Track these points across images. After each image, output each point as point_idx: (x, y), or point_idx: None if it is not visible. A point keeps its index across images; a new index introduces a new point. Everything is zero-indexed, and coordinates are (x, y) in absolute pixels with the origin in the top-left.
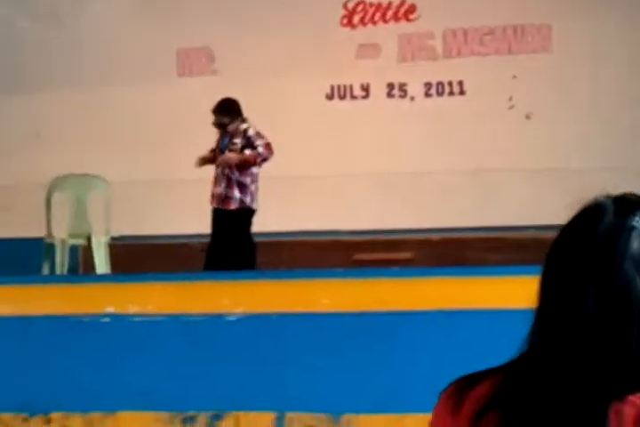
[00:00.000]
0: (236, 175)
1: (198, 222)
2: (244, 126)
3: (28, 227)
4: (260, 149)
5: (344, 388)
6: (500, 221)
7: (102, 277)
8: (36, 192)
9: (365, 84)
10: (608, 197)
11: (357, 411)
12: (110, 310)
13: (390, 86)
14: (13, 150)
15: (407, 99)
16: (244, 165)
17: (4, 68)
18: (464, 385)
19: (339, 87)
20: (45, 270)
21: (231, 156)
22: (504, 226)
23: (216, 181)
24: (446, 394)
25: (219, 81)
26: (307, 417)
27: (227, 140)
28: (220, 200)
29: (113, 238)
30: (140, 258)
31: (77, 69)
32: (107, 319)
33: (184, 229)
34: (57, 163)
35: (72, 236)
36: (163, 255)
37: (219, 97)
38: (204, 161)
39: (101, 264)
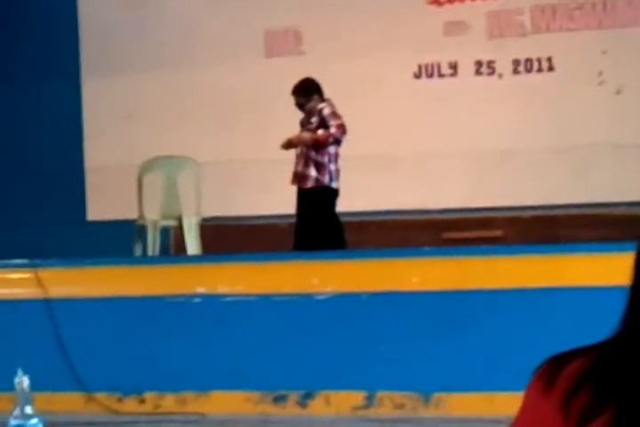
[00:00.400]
0: (312, 154)
1: (287, 202)
2: (320, 106)
3: (121, 209)
4: (333, 130)
5: (434, 366)
6: (591, 197)
7: (193, 258)
8: (129, 174)
9: (453, 62)
10: None
11: (448, 390)
12: (201, 290)
13: (478, 64)
14: (105, 132)
15: (495, 76)
16: (316, 145)
17: (95, 51)
18: (556, 364)
19: (426, 66)
20: (137, 252)
21: (305, 134)
22: (595, 202)
23: (296, 160)
24: (538, 373)
25: (306, 61)
26: (397, 396)
27: (306, 120)
28: (298, 179)
29: (204, 219)
30: (231, 239)
31: (167, 51)
32: (198, 299)
33: (274, 210)
34: (148, 144)
35: (163, 217)
36: (253, 236)
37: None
38: (290, 144)
39: (192, 245)
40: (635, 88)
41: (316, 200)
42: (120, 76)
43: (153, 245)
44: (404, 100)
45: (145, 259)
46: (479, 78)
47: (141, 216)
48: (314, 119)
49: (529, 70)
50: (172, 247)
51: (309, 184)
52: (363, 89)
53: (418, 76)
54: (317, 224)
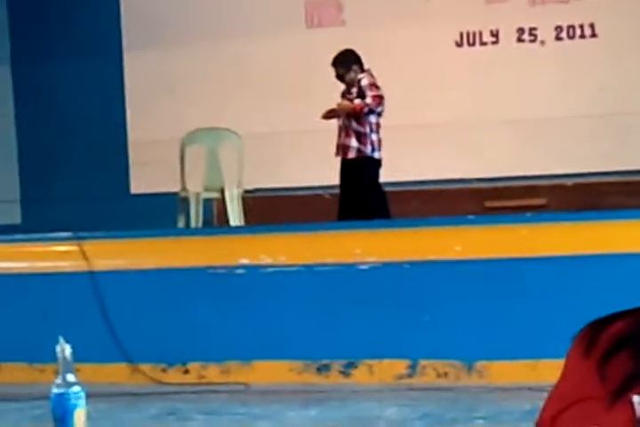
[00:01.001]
0: (353, 125)
1: (331, 173)
2: (359, 76)
3: (163, 181)
4: (368, 100)
5: (478, 335)
6: (635, 165)
7: (236, 230)
8: (171, 147)
9: (495, 30)
10: None
11: (491, 358)
12: (244, 261)
13: (520, 31)
14: (149, 106)
15: (537, 43)
16: (352, 114)
17: (136, 25)
18: (597, 327)
19: (468, 34)
20: (180, 224)
21: (343, 103)
22: (639, 170)
23: (338, 132)
24: (579, 337)
25: (347, 31)
26: (440, 364)
27: (346, 91)
28: (341, 150)
29: (246, 191)
30: (274, 210)
31: (208, 24)
32: (241, 270)
33: (317, 181)
34: (191, 118)
35: (206, 189)
36: (296, 207)
37: (347, 47)
38: (330, 113)
39: (235, 217)
40: None
41: (359, 170)
42: (161, 50)
43: (196, 217)
44: (446, 69)
45: (188, 231)
46: (521, 45)
47: (184, 188)
48: (353, 90)
49: (571, 37)
50: (215, 219)
51: (351, 155)
52: (404, 58)
53: (460, 44)
54: (361, 195)
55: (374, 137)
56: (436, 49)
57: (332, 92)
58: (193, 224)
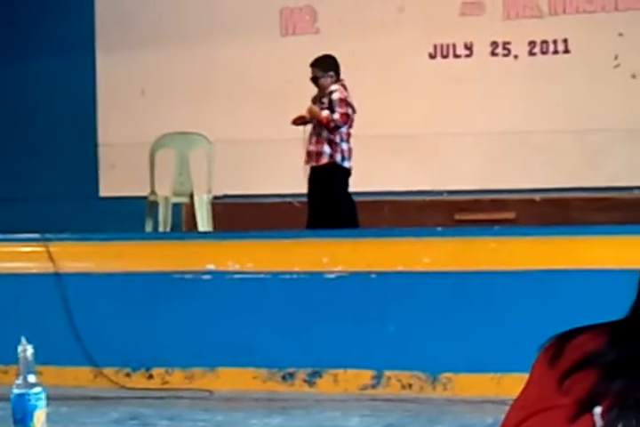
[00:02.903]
0: (324, 133)
1: (301, 181)
2: (333, 88)
3: (133, 185)
4: (336, 116)
5: (443, 347)
6: (604, 181)
7: (204, 235)
8: (141, 151)
9: (469, 43)
10: None
11: (456, 370)
12: (211, 267)
13: (494, 45)
14: (119, 108)
15: (511, 57)
16: (318, 122)
17: (110, 26)
18: (563, 339)
19: (442, 46)
20: (149, 228)
21: (314, 108)
22: (608, 186)
23: (309, 139)
24: (545, 347)
25: (321, 40)
26: (405, 375)
27: (318, 96)
28: (313, 156)
29: (216, 197)
30: (243, 217)
31: (182, 27)
32: (208, 276)
33: (287, 188)
34: (162, 121)
35: (175, 194)
36: (265, 214)
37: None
38: (300, 119)
39: (204, 222)
40: None
41: (329, 178)
42: (135, 52)
43: (164, 221)
44: (419, 81)
45: (155, 235)
46: (494, 59)
47: (153, 192)
48: (325, 99)
49: (545, 52)
50: (184, 224)
51: (323, 161)
52: (377, 68)
53: (433, 56)
54: (330, 203)
55: (345, 146)
56: (410, 60)
57: (304, 100)
58: (161, 229)
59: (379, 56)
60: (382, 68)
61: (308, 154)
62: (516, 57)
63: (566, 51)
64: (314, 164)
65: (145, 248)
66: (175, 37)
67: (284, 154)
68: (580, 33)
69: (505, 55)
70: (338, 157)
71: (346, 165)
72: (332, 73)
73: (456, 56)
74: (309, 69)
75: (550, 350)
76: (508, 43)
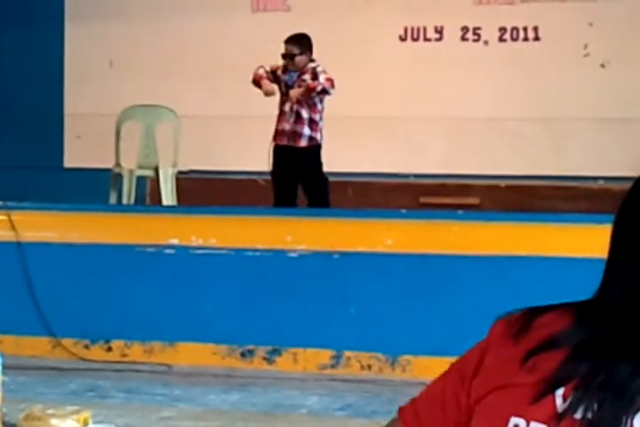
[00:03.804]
0: (304, 112)
1: (267, 159)
2: (313, 65)
3: (98, 156)
4: (322, 79)
5: (403, 329)
6: (570, 170)
7: (167, 209)
8: (107, 122)
9: (439, 27)
10: None
11: (415, 353)
12: (174, 241)
13: (464, 29)
14: (86, 79)
15: (481, 43)
16: (306, 95)
17: None
18: (529, 315)
19: (412, 29)
20: (112, 200)
21: (295, 91)
22: (574, 175)
23: (282, 118)
24: (508, 320)
25: (292, 18)
26: (364, 356)
27: (294, 75)
28: (290, 137)
29: (181, 172)
30: (208, 193)
31: (153, 0)
32: (171, 251)
33: (252, 166)
34: (128, 93)
35: (140, 166)
36: (231, 191)
37: (291, 33)
38: (262, 88)
39: (168, 196)
40: (619, 62)
41: (311, 159)
42: (104, 23)
43: (128, 194)
44: (388, 62)
45: (118, 207)
46: (464, 44)
47: (118, 165)
48: (306, 76)
49: (515, 39)
50: (148, 198)
51: (303, 143)
52: (347, 49)
53: (403, 38)
54: (311, 182)
55: (322, 124)
56: (380, 41)
57: None
58: (125, 201)
59: (349, 36)
60: (352, 49)
61: (283, 132)
62: (486, 43)
63: (536, 38)
64: (291, 144)
65: (108, 220)
66: (146, 10)
67: (251, 131)
68: (551, 21)
69: (475, 40)
70: (319, 137)
71: (322, 142)
72: (308, 53)
73: (426, 39)
74: (282, 46)
75: (515, 324)
76: (479, 28)
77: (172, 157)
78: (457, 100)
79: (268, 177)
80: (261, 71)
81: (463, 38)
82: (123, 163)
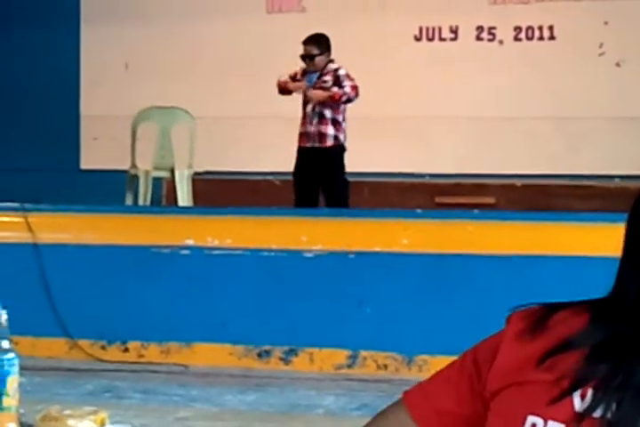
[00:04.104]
0: (328, 113)
1: (282, 160)
2: (334, 66)
3: (114, 158)
4: (347, 89)
5: (419, 329)
6: (586, 169)
7: (183, 210)
8: (123, 124)
9: (454, 27)
10: None
11: (431, 352)
12: (190, 242)
13: (479, 29)
14: (102, 81)
15: (496, 42)
16: (328, 102)
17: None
18: (546, 310)
19: (427, 28)
20: (129, 201)
21: (318, 91)
22: (590, 174)
23: (305, 120)
24: (524, 315)
25: (307, 19)
26: (380, 356)
27: (314, 77)
28: (316, 138)
29: (197, 173)
30: (223, 194)
31: (168, 2)
32: (186, 251)
33: (268, 167)
34: (144, 95)
35: (156, 168)
36: (246, 191)
37: (306, 35)
38: (291, 89)
39: (184, 197)
40: (635, 61)
41: (336, 159)
42: (120, 25)
43: (144, 195)
44: (404, 62)
45: (134, 208)
46: (479, 44)
47: (134, 166)
48: (327, 78)
49: (530, 38)
50: (164, 199)
51: (329, 143)
52: (362, 50)
53: (418, 38)
54: (334, 182)
55: (345, 125)
56: (395, 41)
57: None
58: (141, 202)
59: (364, 37)
60: (367, 50)
61: (307, 135)
62: (501, 42)
63: (552, 37)
64: (317, 145)
65: (124, 221)
66: (161, 12)
67: (266, 132)
68: (566, 20)
69: (490, 40)
70: (342, 137)
71: (346, 144)
72: (327, 53)
73: (441, 39)
74: (297, 47)
75: (530, 319)
76: (494, 28)
77: (187, 158)
78: (472, 100)
79: (284, 177)
80: (283, 78)
81: (478, 38)
82: (139, 164)
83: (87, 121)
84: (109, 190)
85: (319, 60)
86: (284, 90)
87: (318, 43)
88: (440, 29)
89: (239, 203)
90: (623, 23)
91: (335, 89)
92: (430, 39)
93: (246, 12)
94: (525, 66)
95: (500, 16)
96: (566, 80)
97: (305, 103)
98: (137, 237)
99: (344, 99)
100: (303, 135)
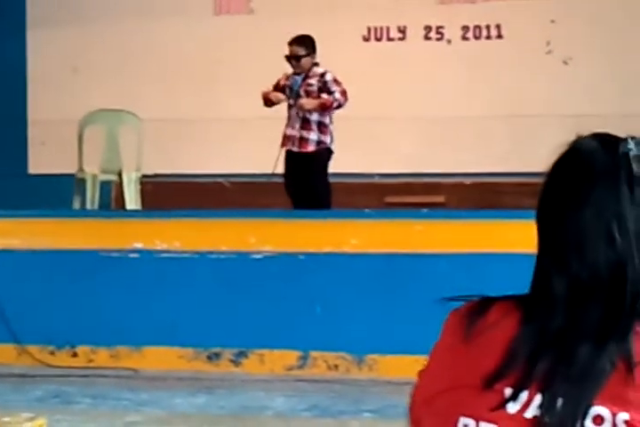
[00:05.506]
0: (314, 117)
1: (232, 162)
2: (320, 70)
3: (61, 162)
4: (337, 95)
5: (370, 328)
6: (534, 166)
7: (131, 213)
8: (71, 128)
9: (402, 26)
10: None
11: (382, 352)
12: (139, 245)
13: (427, 29)
14: (50, 85)
15: (444, 42)
16: (319, 110)
17: (41, 2)
18: (476, 311)
19: (375, 29)
20: (77, 205)
21: (309, 100)
22: (539, 172)
23: (289, 123)
24: (458, 317)
25: (255, 20)
26: (331, 357)
27: (299, 79)
28: (295, 142)
29: (146, 176)
30: (173, 197)
31: (115, 4)
32: (135, 255)
33: (217, 169)
34: (92, 99)
35: (103, 171)
36: (196, 194)
37: (255, 36)
38: (273, 100)
39: (132, 200)
40: (582, 59)
41: (319, 163)
42: (66, 28)
43: (92, 199)
44: (352, 63)
45: (82, 212)
46: (428, 43)
47: (81, 170)
48: (312, 81)
49: (478, 37)
50: (113, 202)
51: (310, 148)
52: None
53: (367, 38)
54: (316, 186)
55: (332, 128)
56: (343, 42)
57: (237, 80)
58: (89, 206)
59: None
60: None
61: (289, 138)
62: (449, 41)
63: (499, 36)
64: (296, 149)
65: (72, 226)
66: (108, 15)
67: (215, 134)
68: (513, 19)
69: (438, 39)
70: (328, 140)
71: (333, 147)
72: (314, 55)
73: (389, 39)
74: (245, 49)
75: (462, 323)
76: (442, 27)
77: (135, 161)
78: (421, 100)
79: (235, 179)
80: (266, 90)
81: (426, 37)
82: (86, 168)
83: (35, 125)
84: (57, 195)
85: (305, 61)
86: (267, 101)
87: (304, 44)
88: (388, 29)
89: (189, 206)
90: (570, 21)
91: (324, 96)
92: (378, 39)
93: (194, 13)
94: (473, 65)
95: (447, 15)
96: (514, 78)
97: (290, 105)
98: (85, 241)
99: (335, 105)
100: (285, 138)
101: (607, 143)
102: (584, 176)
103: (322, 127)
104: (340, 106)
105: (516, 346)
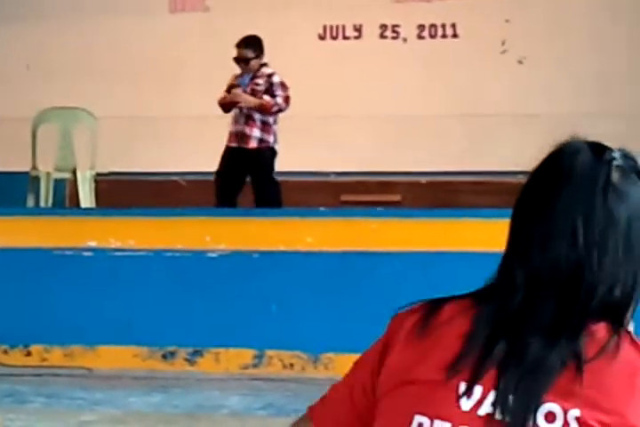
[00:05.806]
0: (257, 115)
1: (188, 160)
2: (268, 71)
3: (15, 160)
4: (279, 100)
5: (325, 327)
6: (490, 165)
7: (85, 211)
8: (25, 125)
9: (358, 25)
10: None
11: (337, 350)
12: (93, 244)
13: (383, 27)
14: (3, 82)
15: (400, 40)
16: (257, 110)
17: None
18: (430, 310)
19: (331, 27)
20: (30, 203)
21: (251, 99)
22: (494, 171)
23: (234, 119)
24: (407, 314)
25: (211, 18)
26: (286, 355)
27: (247, 78)
28: (240, 138)
29: (101, 174)
30: (128, 195)
31: (71, 1)
32: (89, 253)
33: (172, 167)
34: (46, 96)
35: (57, 169)
36: (151, 192)
37: (210, 34)
38: (231, 105)
39: (86, 198)
40: (536, 58)
41: (260, 160)
42: (20, 25)
43: (46, 197)
44: (308, 61)
45: (35, 211)
46: (383, 42)
47: (35, 168)
48: (260, 81)
49: (433, 36)
50: (67, 201)
51: (252, 144)
52: (266, 48)
53: (322, 37)
54: (260, 184)
55: (275, 128)
56: (299, 40)
57: (193, 77)
58: (43, 204)
59: (268, 36)
60: (271, 48)
61: (234, 134)
62: (404, 40)
63: (454, 35)
64: (240, 145)
65: (25, 224)
66: (62, 12)
67: (170, 132)
68: (469, 18)
69: (394, 38)
70: (271, 139)
71: (276, 147)
72: (262, 56)
73: (345, 38)
74: (201, 46)
75: (416, 319)
76: (397, 26)
77: (89, 159)
78: (377, 98)
79: (190, 178)
80: (220, 98)
81: (382, 36)
82: (40, 166)
83: None
84: (11, 193)
85: (254, 63)
86: (224, 105)
87: (252, 46)
88: (344, 28)
89: (144, 204)
90: (525, 21)
91: (267, 98)
92: (334, 38)
93: (149, 11)
94: (429, 64)
95: (403, 14)
96: (469, 78)
97: (235, 100)
98: (38, 239)
99: (274, 109)
100: (230, 135)
101: (594, 148)
102: (563, 175)
103: (265, 126)
104: (279, 111)
105: (473, 331)
